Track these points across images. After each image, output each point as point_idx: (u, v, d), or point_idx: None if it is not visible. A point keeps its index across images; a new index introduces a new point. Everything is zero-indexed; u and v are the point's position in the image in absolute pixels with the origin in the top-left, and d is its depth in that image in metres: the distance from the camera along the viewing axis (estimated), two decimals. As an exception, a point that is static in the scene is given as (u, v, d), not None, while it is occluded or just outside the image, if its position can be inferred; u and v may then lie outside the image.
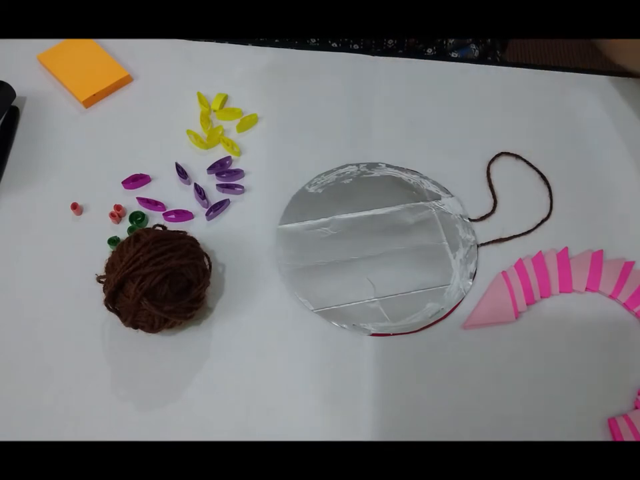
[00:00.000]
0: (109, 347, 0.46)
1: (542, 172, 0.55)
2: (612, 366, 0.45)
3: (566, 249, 0.50)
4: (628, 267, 0.49)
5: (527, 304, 0.47)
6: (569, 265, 0.49)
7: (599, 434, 0.42)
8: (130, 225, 0.51)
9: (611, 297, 0.48)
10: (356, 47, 0.62)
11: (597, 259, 0.49)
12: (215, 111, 0.59)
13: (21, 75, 0.60)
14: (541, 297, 0.48)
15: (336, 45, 0.68)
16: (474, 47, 0.73)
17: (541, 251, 0.50)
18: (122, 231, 0.51)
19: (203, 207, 0.52)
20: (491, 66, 0.63)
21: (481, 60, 0.73)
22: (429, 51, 0.71)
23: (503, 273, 0.49)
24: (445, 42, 0.71)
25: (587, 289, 0.48)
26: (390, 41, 0.69)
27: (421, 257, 0.50)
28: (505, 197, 0.54)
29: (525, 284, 0.48)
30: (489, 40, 0.75)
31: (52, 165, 0.55)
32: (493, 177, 0.55)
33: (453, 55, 0.72)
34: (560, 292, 0.48)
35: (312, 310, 0.47)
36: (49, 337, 0.46)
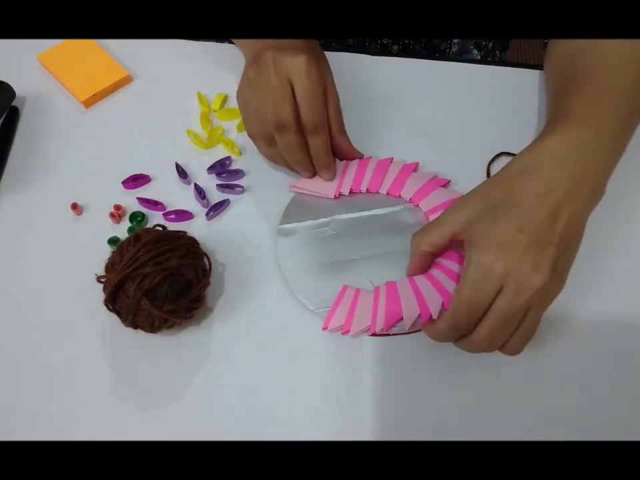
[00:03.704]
0: (109, 347, 0.46)
1: (542, 172, 0.55)
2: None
3: (389, 159, 0.53)
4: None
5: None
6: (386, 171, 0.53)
7: (606, 433, 0.42)
8: (130, 225, 0.51)
9: (411, 200, 0.52)
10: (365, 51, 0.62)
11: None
12: (214, 111, 0.59)
13: (21, 75, 0.60)
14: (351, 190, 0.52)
15: (340, 46, 0.68)
16: (476, 52, 0.73)
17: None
18: (122, 231, 0.51)
19: (203, 207, 0.52)
20: (490, 66, 0.63)
21: (481, 60, 0.73)
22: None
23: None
24: (448, 49, 0.71)
25: (388, 192, 0.52)
26: (395, 47, 0.69)
27: (421, 257, 0.49)
28: (505, 197, 0.54)
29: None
30: (490, 44, 0.75)
31: (52, 165, 0.55)
32: (493, 177, 0.55)
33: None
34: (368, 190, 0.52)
35: (312, 310, 0.47)
36: (49, 336, 0.46)
